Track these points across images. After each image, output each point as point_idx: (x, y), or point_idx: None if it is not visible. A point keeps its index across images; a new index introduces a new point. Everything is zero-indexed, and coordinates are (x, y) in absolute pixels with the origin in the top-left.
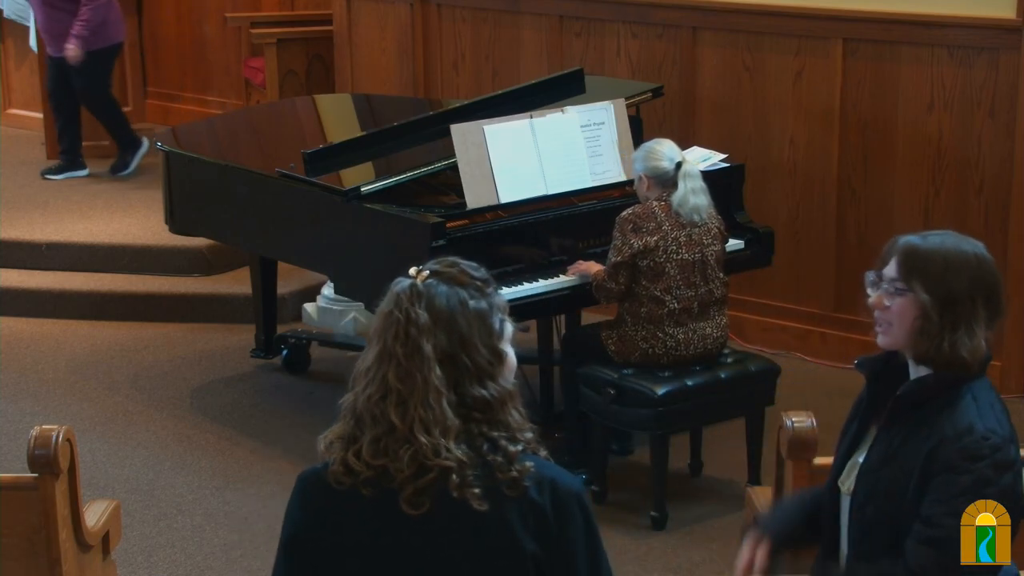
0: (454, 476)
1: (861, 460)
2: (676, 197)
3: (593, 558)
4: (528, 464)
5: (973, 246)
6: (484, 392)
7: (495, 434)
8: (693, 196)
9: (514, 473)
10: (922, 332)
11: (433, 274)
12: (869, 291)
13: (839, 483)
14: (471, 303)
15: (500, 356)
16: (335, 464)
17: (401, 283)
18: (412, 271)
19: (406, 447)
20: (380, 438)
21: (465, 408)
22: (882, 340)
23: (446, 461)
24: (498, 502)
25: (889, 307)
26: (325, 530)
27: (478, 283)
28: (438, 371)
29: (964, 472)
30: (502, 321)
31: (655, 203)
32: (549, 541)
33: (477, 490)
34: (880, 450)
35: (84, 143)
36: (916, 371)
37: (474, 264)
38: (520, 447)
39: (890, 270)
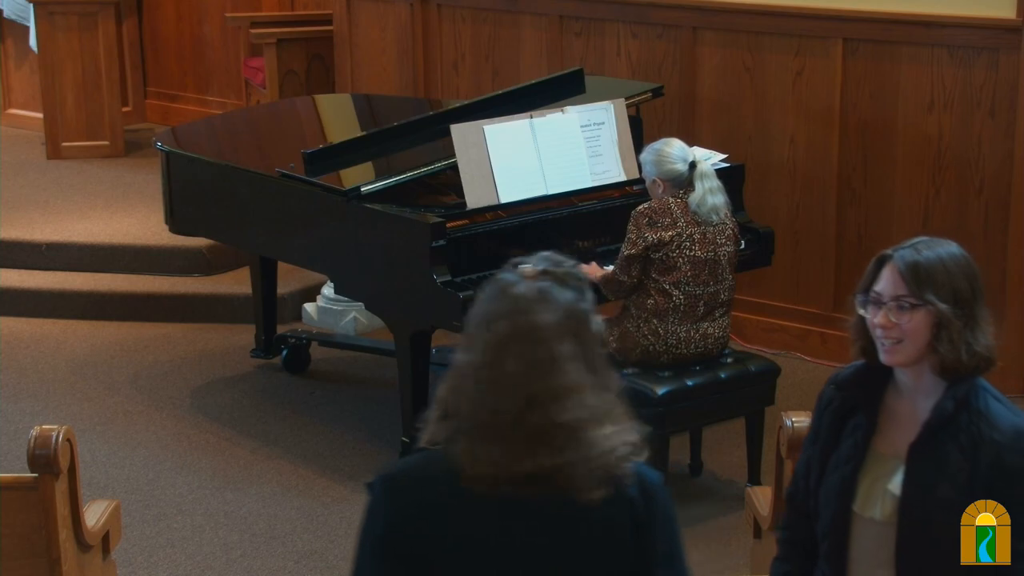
0: (567, 468)
1: (891, 487)
2: (694, 198)
3: (675, 548)
4: (630, 464)
5: (953, 245)
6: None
7: (602, 431)
8: (711, 196)
9: (618, 471)
10: (944, 341)
11: (544, 273)
12: (864, 311)
13: (854, 509)
14: (582, 304)
15: (605, 351)
16: (465, 461)
17: (515, 282)
18: (523, 267)
19: (520, 431)
20: (483, 426)
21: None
22: (892, 358)
23: (563, 455)
24: (602, 497)
25: (898, 324)
26: (420, 526)
27: (580, 283)
28: (563, 351)
29: None
30: (598, 321)
31: (671, 200)
32: (641, 534)
33: (584, 483)
34: (920, 476)
35: (84, 143)
36: (914, 378)
37: (571, 261)
38: (626, 449)
39: (891, 287)
